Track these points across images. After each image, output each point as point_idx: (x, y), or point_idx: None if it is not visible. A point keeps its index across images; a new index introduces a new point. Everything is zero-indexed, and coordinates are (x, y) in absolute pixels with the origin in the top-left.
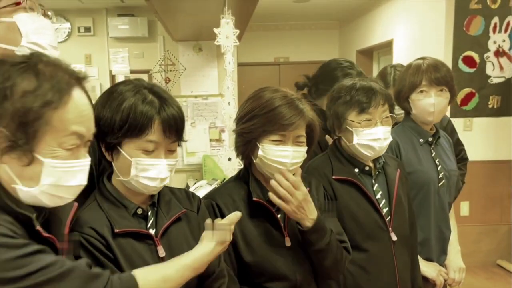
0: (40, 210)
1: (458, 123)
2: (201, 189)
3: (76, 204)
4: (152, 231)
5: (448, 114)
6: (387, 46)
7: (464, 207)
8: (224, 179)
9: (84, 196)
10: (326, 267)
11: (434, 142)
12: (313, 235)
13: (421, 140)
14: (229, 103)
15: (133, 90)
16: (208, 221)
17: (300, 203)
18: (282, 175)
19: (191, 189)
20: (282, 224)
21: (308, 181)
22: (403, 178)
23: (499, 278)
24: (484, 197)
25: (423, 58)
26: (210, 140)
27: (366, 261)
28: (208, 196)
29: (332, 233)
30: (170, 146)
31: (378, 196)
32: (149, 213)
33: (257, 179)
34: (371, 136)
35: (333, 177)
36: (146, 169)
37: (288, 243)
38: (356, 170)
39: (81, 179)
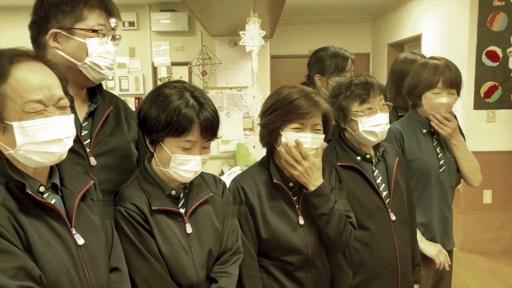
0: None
1: (481, 115)
2: (234, 175)
3: (92, 182)
4: (182, 210)
5: (472, 106)
6: (416, 40)
7: (487, 195)
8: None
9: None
10: (329, 235)
11: (436, 132)
12: (316, 198)
13: (424, 130)
14: (254, 97)
15: (177, 94)
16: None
17: (305, 170)
18: (296, 143)
19: (225, 175)
20: (297, 206)
21: (322, 167)
22: (401, 165)
23: None
24: (507, 185)
25: (438, 59)
26: (244, 129)
27: (369, 238)
28: (235, 180)
29: (336, 202)
30: (205, 144)
31: (378, 180)
32: (181, 195)
33: (277, 164)
34: (374, 123)
35: (338, 164)
36: (183, 163)
37: (301, 221)
38: (359, 157)
39: (57, 133)
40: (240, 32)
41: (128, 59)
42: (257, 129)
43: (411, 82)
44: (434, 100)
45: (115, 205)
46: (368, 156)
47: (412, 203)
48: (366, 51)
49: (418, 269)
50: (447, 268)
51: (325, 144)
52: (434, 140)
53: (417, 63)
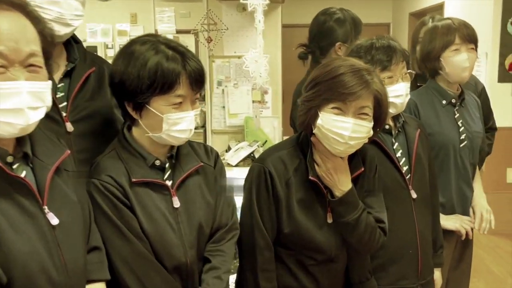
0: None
1: (506, 88)
2: (242, 151)
3: (68, 151)
4: (168, 183)
5: (496, 79)
6: (438, 9)
7: (511, 174)
8: (266, 141)
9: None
10: (352, 243)
11: (459, 103)
12: (341, 207)
13: (444, 101)
14: (256, 61)
15: (153, 49)
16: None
17: (328, 170)
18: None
19: (231, 151)
20: (327, 200)
21: (363, 157)
22: (423, 138)
23: None
24: None
25: (449, 18)
26: (253, 101)
27: (387, 219)
28: (261, 159)
29: (364, 210)
30: (195, 96)
31: (398, 154)
32: (167, 165)
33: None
34: (394, 93)
35: None
36: (177, 123)
37: (330, 219)
38: None
39: (19, 102)
40: None
41: (129, 26)
42: (268, 101)
43: (425, 48)
44: (455, 57)
45: (89, 177)
46: (387, 127)
47: (435, 179)
48: (386, 21)
49: (440, 251)
50: (470, 237)
51: (371, 134)
52: (456, 112)
53: (426, 29)
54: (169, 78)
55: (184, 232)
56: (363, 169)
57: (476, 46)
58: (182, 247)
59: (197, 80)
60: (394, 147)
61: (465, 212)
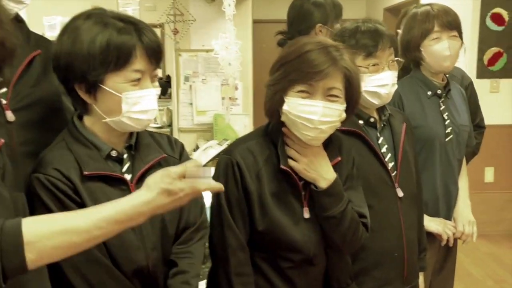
0: None
1: (484, 84)
2: (211, 150)
3: (2, 141)
4: (128, 176)
5: (474, 75)
6: (415, 3)
7: (489, 173)
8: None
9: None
10: (335, 239)
11: (444, 94)
12: (327, 198)
13: (429, 92)
14: (226, 47)
15: (100, 22)
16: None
17: (310, 160)
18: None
19: (199, 150)
20: (303, 193)
21: (338, 146)
22: (409, 133)
23: None
24: (510, 162)
25: (429, 4)
26: (222, 98)
27: (371, 218)
28: (228, 151)
29: (349, 203)
30: (153, 72)
31: (384, 149)
32: (125, 156)
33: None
34: (379, 82)
35: (337, 128)
36: (138, 102)
37: (306, 214)
38: (361, 121)
39: None
40: None
41: None
42: (239, 98)
43: (404, 38)
44: (435, 46)
45: (32, 172)
46: (372, 120)
47: (419, 176)
48: (360, 16)
49: (423, 254)
50: (451, 244)
51: (343, 117)
52: (441, 104)
53: (406, 17)
54: (124, 50)
55: (146, 233)
56: (340, 158)
57: (460, 33)
58: (143, 249)
59: (155, 52)
60: (379, 141)
61: (450, 210)
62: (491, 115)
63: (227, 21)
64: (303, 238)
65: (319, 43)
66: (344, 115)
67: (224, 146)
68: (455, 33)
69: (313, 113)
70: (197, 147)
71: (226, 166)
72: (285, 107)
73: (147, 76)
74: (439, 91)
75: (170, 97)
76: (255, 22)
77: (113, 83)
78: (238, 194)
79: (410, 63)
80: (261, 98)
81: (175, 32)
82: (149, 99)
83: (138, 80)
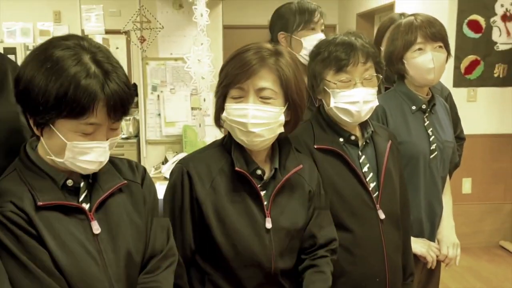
0: None
1: (461, 93)
2: None
3: None
4: (86, 206)
5: (451, 83)
6: (389, 9)
7: (466, 184)
8: None
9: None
10: None
11: (429, 109)
12: None
13: (414, 107)
14: (199, 61)
15: (73, 57)
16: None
17: None
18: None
19: (168, 163)
20: (265, 203)
21: (302, 161)
22: (394, 151)
23: (501, 260)
24: (488, 173)
25: (413, 15)
26: (192, 108)
27: (351, 242)
28: (181, 161)
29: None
30: (113, 125)
31: (365, 169)
32: (82, 184)
33: (242, 147)
34: (348, 99)
35: (315, 147)
36: (84, 152)
37: (268, 224)
38: (341, 139)
39: None
40: None
41: (52, 26)
42: (209, 108)
43: (387, 49)
44: (418, 58)
45: None
46: (353, 137)
47: (407, 197)
48: (332, 22)
49: (411, 279)
50: (433, 267)
51: (281, 120)
52: (426, 119)
53: (390, 28)
54: (82, 101)
55: (109, 263)
56: (301, 166)
57: (446, 44)
58: (107, 280)
59: (117, 108)
60: (361, 160)
61: (434, 229)
62: (468, 125)
63: (199, 32)
64: (263, 250)
65: (253, 44)
66: (282, 118)
67: None
68: (440, 44)
69: (244, 116)
70: (166, 160)
71: (177, 174)
72: (223, 114)
73: (104, 129)
74: (423, 106)
75: (137, 106)
76: (225, 27)
77: (63, 128)
78: (184, 204)
79: (394, 76)
80: None
81: (142, 40)
82: (98, 151)
83: (92, 133)
